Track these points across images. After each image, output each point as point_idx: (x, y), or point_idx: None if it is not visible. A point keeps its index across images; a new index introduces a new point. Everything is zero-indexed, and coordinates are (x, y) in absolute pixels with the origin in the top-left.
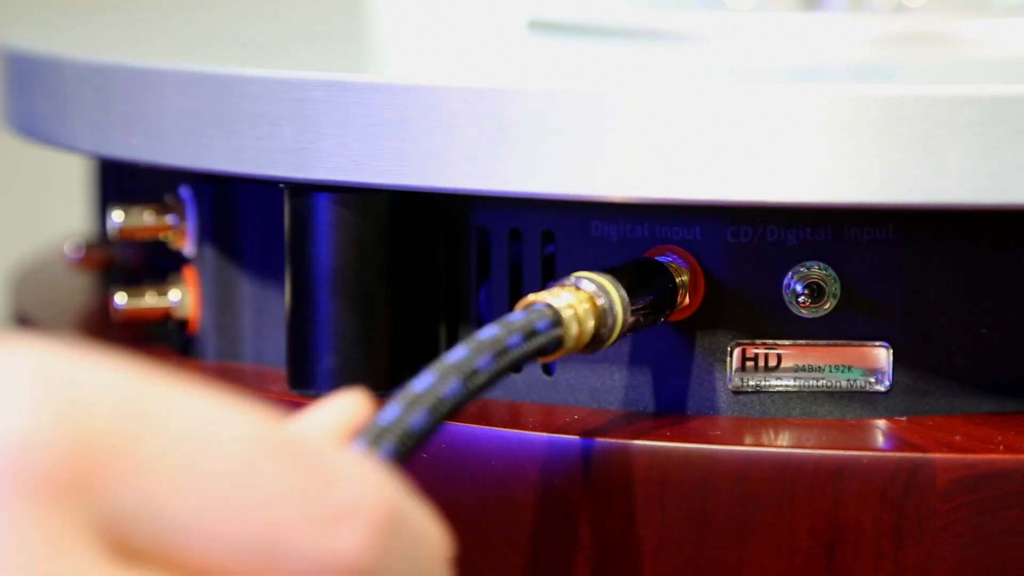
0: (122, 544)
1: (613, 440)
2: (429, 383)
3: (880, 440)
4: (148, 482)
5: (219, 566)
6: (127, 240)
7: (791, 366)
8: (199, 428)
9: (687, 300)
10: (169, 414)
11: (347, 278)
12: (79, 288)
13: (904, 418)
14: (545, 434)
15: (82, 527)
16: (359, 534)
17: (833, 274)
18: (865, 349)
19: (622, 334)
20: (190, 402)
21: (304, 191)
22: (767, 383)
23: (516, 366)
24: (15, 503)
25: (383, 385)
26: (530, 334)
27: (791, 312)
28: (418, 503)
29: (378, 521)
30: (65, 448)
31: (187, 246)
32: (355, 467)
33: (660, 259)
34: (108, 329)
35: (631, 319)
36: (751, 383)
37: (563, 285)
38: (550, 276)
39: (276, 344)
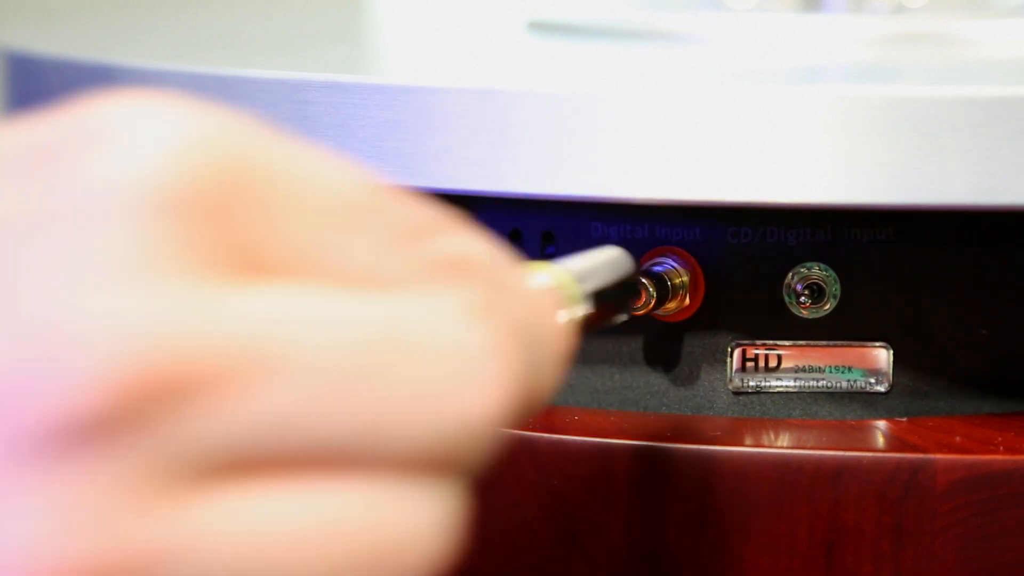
0: (251, 266)
1: (613, 440)
2: None
3: (880, 441)
4: (280, 211)
5: (354, 275)
6: None
7: (791, 367)
8: (313, 171)
9: (687, 300)
10: (289, 155)
11: None
12: None
13: (904, 419)
14: (545, 434)
15: (221, 243)
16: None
17: (833, 275)
18: (865, 350)
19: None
20: (301, 150)
21: None
22: (767, 384)
23: None
24: (161, 218)
25: None
26: None
27: (791, 313)
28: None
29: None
30: (210, 173)
31: None
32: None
33: (659, 260)
34: None
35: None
36: (751, 384)
37: None
38: None
39: None
